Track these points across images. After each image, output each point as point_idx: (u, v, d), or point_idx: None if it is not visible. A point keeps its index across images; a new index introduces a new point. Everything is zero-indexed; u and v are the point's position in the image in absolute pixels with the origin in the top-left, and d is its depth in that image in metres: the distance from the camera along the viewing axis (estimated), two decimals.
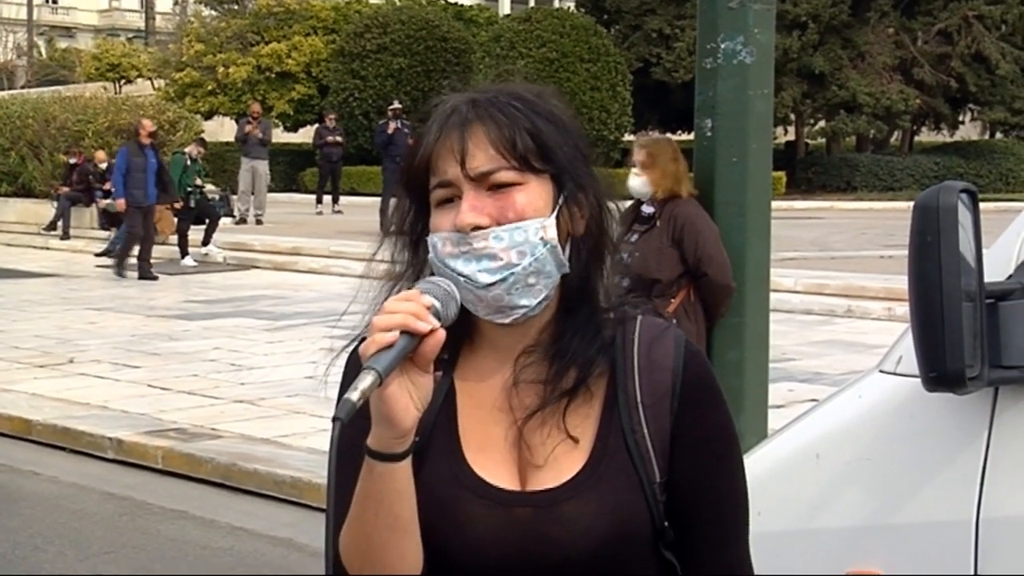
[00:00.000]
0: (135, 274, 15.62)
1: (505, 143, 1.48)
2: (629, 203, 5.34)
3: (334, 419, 1.32)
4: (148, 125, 16.53)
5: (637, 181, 5.39)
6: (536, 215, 1.49)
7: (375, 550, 1.45)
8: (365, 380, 1.33)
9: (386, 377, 1.35)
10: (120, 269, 15.79)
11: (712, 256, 5.07)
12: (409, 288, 1.54)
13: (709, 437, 1.55)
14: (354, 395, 1.32)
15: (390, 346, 1.35)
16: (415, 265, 1.57)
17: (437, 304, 1.41)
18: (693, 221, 5.15)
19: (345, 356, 1.60)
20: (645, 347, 1.55)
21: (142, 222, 15.71)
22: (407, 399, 1.38)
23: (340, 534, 1.48)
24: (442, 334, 1.39)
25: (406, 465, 1.42)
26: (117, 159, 16.09)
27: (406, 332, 1.37)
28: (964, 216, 1.76)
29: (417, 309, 1.38)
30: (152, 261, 15.84)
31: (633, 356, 1.54)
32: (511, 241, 1.47)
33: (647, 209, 5.37)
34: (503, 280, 1.46)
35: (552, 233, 1.49)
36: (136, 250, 15.81)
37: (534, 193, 1.50)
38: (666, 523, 1.54)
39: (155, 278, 15.47)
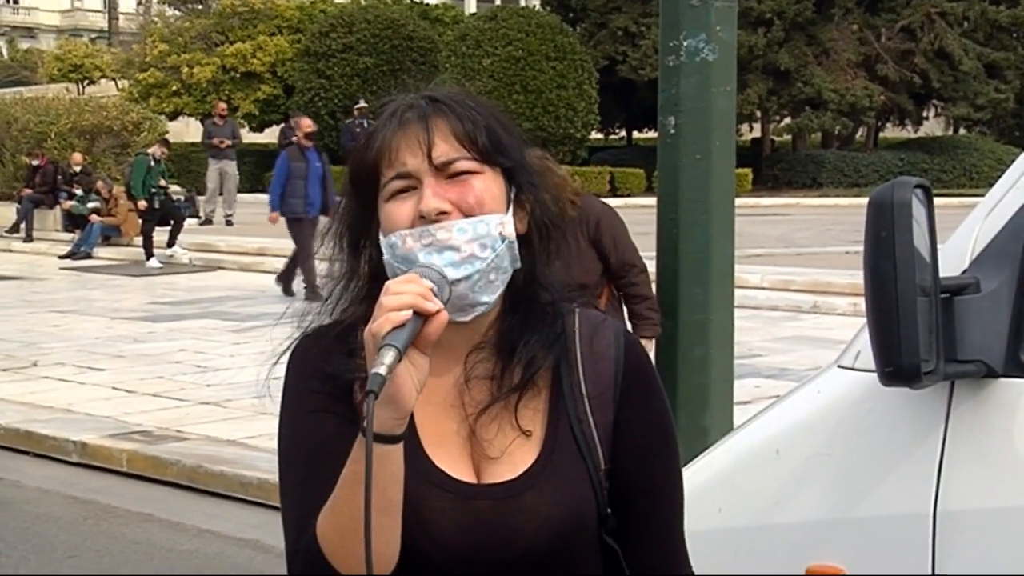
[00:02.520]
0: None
1: (467, 136, 1.53)
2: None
3: (368, 392, 1.34)
4: (306, 124, 13.87)
5: None
6: (493, 203, 1.53)
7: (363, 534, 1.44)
8: (387, 356, 1.36)
9: (404, 353, 1.37)
10: (287, 287, 13.39)
11: (627, 244, 5.19)
12: (357, 287, 1.58)
13: (650, 425, 1.61)
14: (382, 369, 1.35)
15: (402, 325, 1.38)
16: (356, 265, 1.59)
17: (435, 287, 1.44)
18: (600, 217, 5.22)
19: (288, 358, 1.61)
20: (586, 339, 1.60)
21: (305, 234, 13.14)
22: (411, 380, 1.40)
23: (319, 518, 1.47)
24: (445, 316, 1.42)
25: (400, 448, 1.44)
26: (278, 164, 13.40)
27: (415, 312, 1.39)
28: (918, 211, 1.77)
29: (424, 290, 1.41)
30: (117, 263, 15.64)
31: (576, 349, 1.59)
32: (474, 233, 1.50)
33: None
34: (468, 277, 1.49)
35: (510, 229, 1.53)
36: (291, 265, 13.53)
37: (490, 181, 1.54)
38: (608, 510, 1.59)
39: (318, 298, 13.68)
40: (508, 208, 1.55)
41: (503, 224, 1.52)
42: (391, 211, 1.52)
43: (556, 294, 1.61)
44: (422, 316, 1.40)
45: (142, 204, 17.25)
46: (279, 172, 13.23)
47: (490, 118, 1.56)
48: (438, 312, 1.41)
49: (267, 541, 5.98)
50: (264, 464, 6.85)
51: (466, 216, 1.50)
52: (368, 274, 1.58)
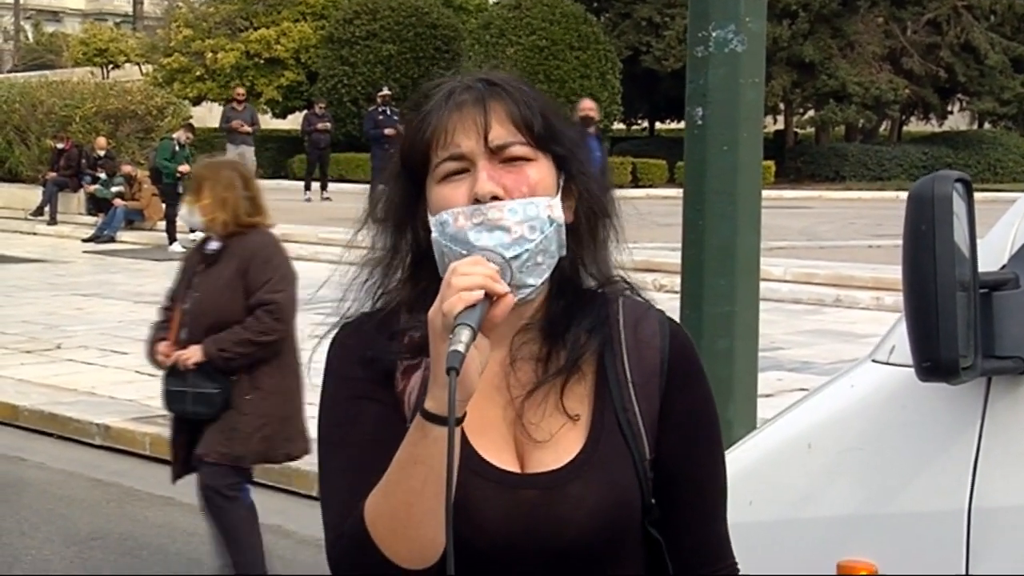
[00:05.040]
0: None
1: (523, 120, 1.53)
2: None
3: (449, 369, 1.34)
4: (588, 105, 12.63)
5: (186, 211, 5.01)
6: (545, 192, 1.53)
7: (416, 518, 1.43)
8: (464, 334, 1.36)
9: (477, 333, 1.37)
10: None
11: (282, 290, 4.65)
12: (400, 270, 1.57)
13: (694, 413, 1.60)
14: (460, 347, 1.35)
15: (472, 305, 1.38)
16: (398, 249, 1.58)
17: (499, 271, 1.44)
18: (263, 252, 4.69)
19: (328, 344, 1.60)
20: (631, 327, 1.59)
21: None
22: (476, 362, 1.39)
23: (368, 503, 1.46)
24: (512, 298, 1.42)
25: (458, 430, 1.41)
26: None
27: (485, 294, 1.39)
28: (959, 206, 1.76)
29: (492, 272, 1.41)
30: (140, 247, 15.71)
31: (620, 336, 1.58)
32: (524, 215, 1.49)
33: (212, 245, 4.75)
34: (517, 257, 1.48)
35: (558, 212, 1.53)
36: None
37: (544, 170, 1.54)
38: (652, 500, 1.57)
39: None
40: (557, 193, 1.54)
41: (551, 207, 1.52)
42: (443, 193, 1.52)
43: (602, 282, 1.60)
44: (489, 298, 1.40)
45: (184, 167, 17.11)
46: None
47: (544, 105, 1.56)
48: (505, 294, 1.41)
49: (289, 526, 5.99)
50: None
51: None
52: (411, 257, 1.58)
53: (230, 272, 4.64)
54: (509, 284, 1.46)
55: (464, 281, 1.39)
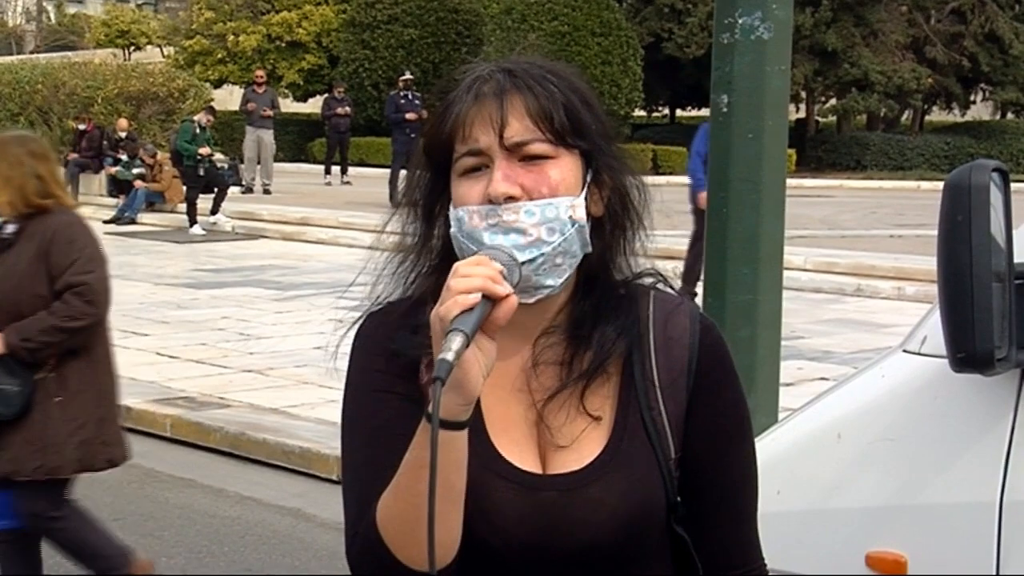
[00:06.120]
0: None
1: (543, 116, 1.47)
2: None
3: (435, 378, 1.30)
4: None
5: None
6: (567, 192, 1.47)
7: (424, 520, 1.40)
8: (455, 341, 1.32)
9: (472, 338, 1.33)
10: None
11: (91, 271, 4.26)
12: (429, 258, 1.54)
13: (724, 413, 1.56)
14: (449, 355, 1.31)
15: (470, 309, 1.34)
16: (428, 237, 1.55)
17: (504, 270, 1.40)
18: (65, 231, 4.27)
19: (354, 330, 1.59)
20: (660, 324, 1.55)
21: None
22: (479, 366, 1.36)
23: (379, 503, 1.44)
24: (515, 300, 1.38)
25: (465, 434, 1.40)
26: (696, 139, 10.65)
27: (484, 296, 1.35)
28: (995, 196, 1.74)
29: (493, 273, 1.37)
30: (160, 229, 15.77)
31: (649, 333, 1.54)
32: (542, 217, 1.45)
33: (9, 228, 4.33)
34: (532, 260, 1.44)
35: (581, 212, 1.48)
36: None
37: (566, 169, 1.48)
38: (678, 498, 1.54)
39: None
40: (582, 191, 1.49)
41: (573, 207, 1.47)
42: (462, 189, 1.48)
43: (631, 277, 1.56)
44: (491, 300, 1.36)
45: (205, 150, 17.28)
46: (698, 147, 10.40)
47: (571, 94, 1.50)
48: (507, 296, 1.36)
49: (308, 510, 6.01)
50: (306, 433, 6.89)
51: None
52: (440, 246, 1.55)
53: (28, 256, 4.23)
54: (524, 285, 1.43)
55: (462, 284, 1.35)
